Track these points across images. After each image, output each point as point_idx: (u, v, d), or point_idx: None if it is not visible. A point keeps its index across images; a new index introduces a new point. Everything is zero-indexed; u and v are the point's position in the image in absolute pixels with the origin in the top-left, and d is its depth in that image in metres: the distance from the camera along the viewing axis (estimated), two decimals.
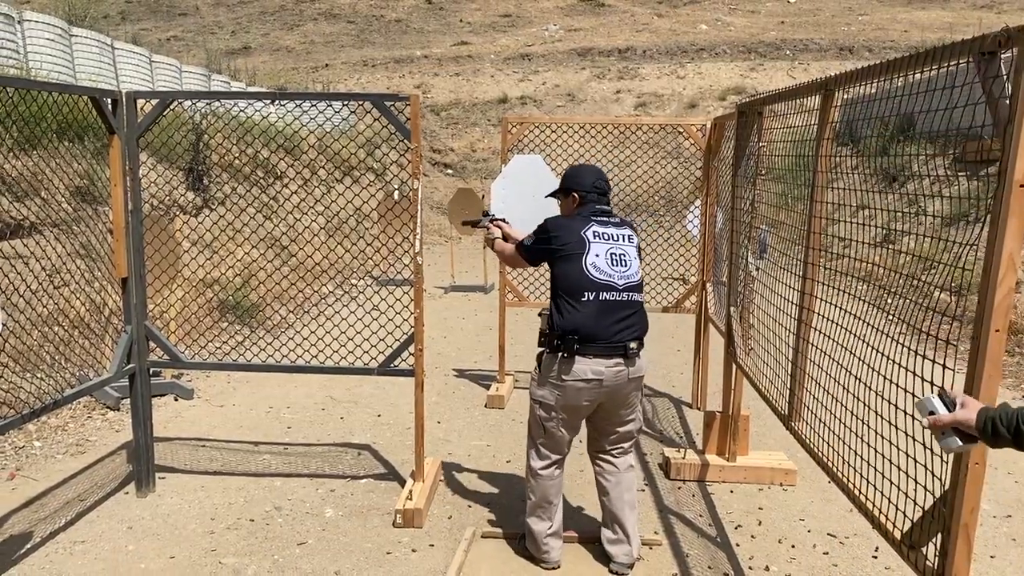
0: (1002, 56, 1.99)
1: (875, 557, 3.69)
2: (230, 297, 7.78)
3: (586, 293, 3.26)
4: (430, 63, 30.47)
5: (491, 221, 4.05)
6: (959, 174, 11.50)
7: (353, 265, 11.64)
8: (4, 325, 3.12)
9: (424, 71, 29.26)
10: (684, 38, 30.63)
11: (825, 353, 2.97)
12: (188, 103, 8.63)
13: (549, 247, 3.39)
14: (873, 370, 2.51)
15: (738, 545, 3.79)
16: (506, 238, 3.95)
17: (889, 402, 2.42)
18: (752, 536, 3.89)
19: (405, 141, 3.97)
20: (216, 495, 4.28)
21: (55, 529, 3.88)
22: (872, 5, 34.27)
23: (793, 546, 3.79)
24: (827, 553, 3.72)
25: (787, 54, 27.35)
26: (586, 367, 3.25)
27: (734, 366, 4.41)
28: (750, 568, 3.58)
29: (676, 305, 5.96)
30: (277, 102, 4.26)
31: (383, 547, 3.73)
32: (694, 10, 35.34)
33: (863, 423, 2.63)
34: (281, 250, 10.19)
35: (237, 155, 10.16)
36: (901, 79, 2.56)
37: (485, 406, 5.80)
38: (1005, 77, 1.94)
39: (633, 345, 3.29)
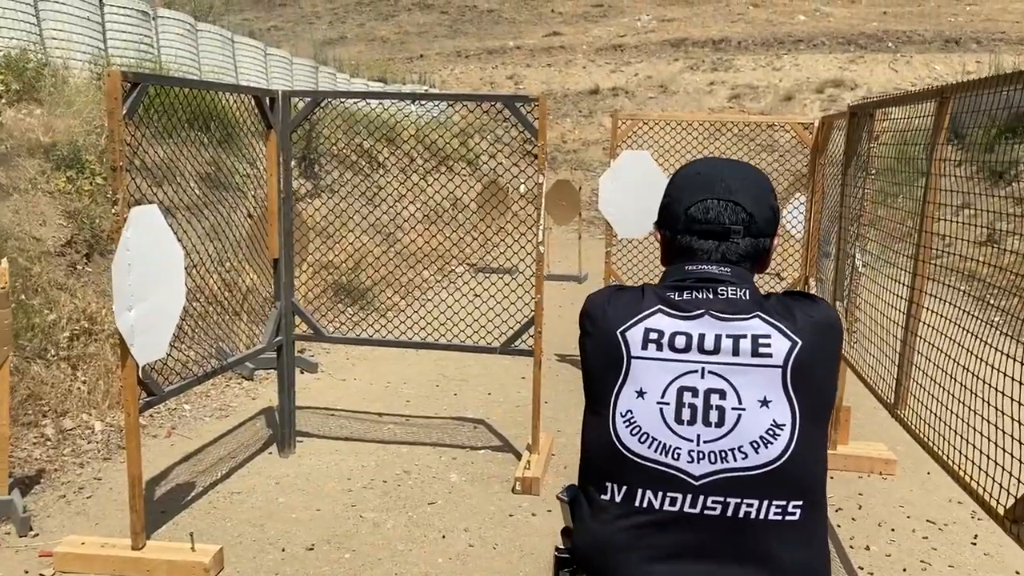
0: None
1: (974, 544, 3.85)
2: (346, 281, 8.29)
3: (608, 484, 1.39)
4: (522, 54, 30.79)
5: None
6: None
7: (452, 252, 12.11)
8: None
9: (516, 62, 29.62)
10: (781, 29, 30.12)
11: (931, 344, 3.16)
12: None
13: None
14: (978, 359, 2.71)
15: (839, 526, 4.01)
16: None
17: (995, 388, 2.62)
18: (852, 519, 4.09)
19: (532, 139, 4.29)
20: (350, 458, 4.71)
21: (214, 481, 4.37)
22: None
23: (893, 529, 3.98)
24: (927, 538, 3.90)
25: (889, 46, 26.63)
26: None
27: None
28: (851, 547, 3.80)
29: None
30: (417, 102, 4.63)
31: (505, 510, 4.09)
32: (791, 0, 34.66)
33: (969, 408, 2.82)
34: (386, 236, 10.71)
35: (344, 144, 10.73)
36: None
37: None
38: None
39: None
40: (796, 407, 1.32)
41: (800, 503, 1.31)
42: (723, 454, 1.31)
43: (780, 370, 1.33)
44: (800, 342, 1.34)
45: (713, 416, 1.33)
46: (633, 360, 1.38)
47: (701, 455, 1.32)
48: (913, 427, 3.35)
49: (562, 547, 1.48)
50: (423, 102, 4.61)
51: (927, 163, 3.37)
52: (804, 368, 1.33)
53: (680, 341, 1.37)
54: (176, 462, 4.61)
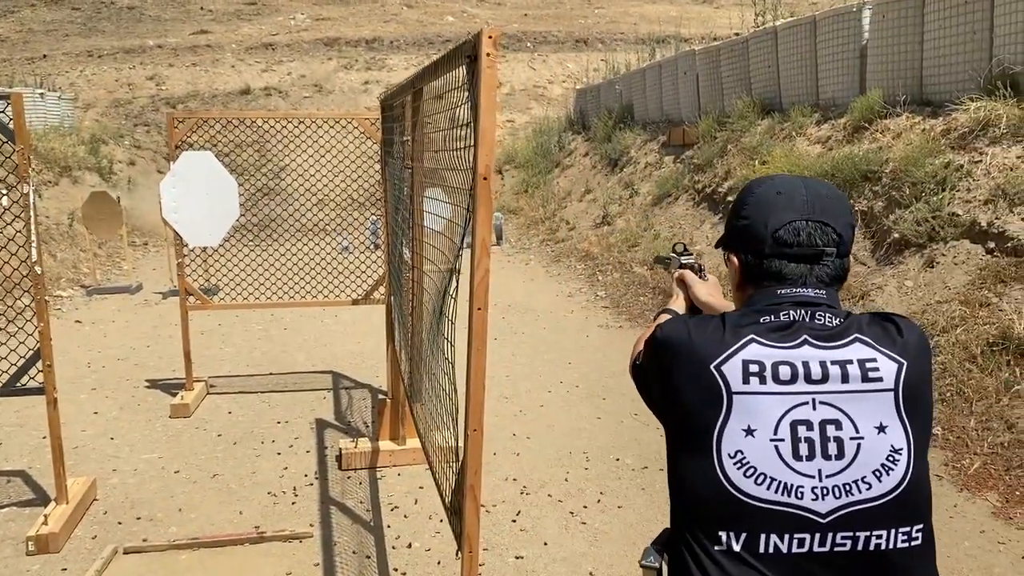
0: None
1: (514, 521, 3.97)
2: None
3: (722, 533, 1.29)
4: (164, 53, 28.69)
5: (680, 267, 2.10)
6: (666, 157, 12.59)
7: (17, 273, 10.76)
8: None
9: (158, 61, 27.51)
10: (431, 29, 31.03)
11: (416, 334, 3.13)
12: None
13: (648, 389, 1.50)
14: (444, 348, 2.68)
15: (389, 526, 3.93)
16: (690, 296, 1.97)
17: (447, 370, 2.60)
18: (405, 516, 4.04)
19: (10, 143, 3.69)
20: None
21: None
22: None
23: (441, 520, 3.97)
24: None
25: (528, 46, 28.48)
26: None
27: (392, 350, 4.54)
28: (393, 548, 3.72)
29: (365, 297, 6.04)
30: None
31: None
32: (443, 1, 35.86)
33: (438, 400, 2.80)
34: None
35: None
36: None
37: (169, 416, 5.57)
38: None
39: None
40: (909, 429, 1.30)
41: (921, 527, 1.29)
42: (847, 487, 1.27)
43: (892, 393, 1.30)
44: (906, 363, 1.32)
45: (832, 448, 1.28)
46: (735, 396, 1.30)
47: (825, 491, 1.26)
48: (419, 421, 3.32)
49: None
50: None
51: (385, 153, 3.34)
52: (913, 388, 1.31)
53: (785, 372, 1.30)
54: None
